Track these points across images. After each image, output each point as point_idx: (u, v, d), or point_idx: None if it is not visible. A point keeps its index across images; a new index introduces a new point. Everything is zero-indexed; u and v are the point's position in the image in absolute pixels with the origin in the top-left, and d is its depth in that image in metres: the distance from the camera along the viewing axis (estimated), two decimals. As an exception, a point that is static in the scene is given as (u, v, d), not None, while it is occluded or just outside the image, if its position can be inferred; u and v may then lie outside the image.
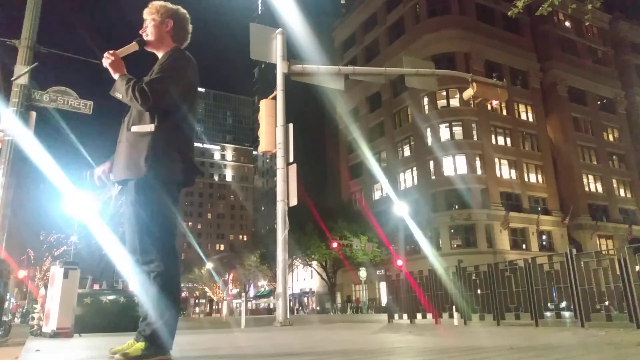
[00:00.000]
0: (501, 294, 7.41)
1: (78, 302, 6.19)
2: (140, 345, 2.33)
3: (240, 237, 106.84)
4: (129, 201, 2.47)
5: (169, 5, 2.78)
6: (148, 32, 2.74)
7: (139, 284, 2.48)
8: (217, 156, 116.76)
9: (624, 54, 51.60)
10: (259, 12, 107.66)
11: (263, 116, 10.06)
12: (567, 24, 48.51)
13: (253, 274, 56.14)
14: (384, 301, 33.14)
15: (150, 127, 2.50)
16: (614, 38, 51.62)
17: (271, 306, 52.67)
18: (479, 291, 7.91)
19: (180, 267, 2.56)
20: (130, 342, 2.42)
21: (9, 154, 7.66)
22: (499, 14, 42.70)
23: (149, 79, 2.50)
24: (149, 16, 2.75)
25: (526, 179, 42.01)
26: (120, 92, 2.52)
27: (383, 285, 31.26)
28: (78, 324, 5.83)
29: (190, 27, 2.86)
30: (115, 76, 2.58)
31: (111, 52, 2.60)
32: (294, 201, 9.52)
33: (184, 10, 2.83)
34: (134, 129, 2.53)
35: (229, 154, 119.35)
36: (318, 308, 51.63)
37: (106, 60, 2.58)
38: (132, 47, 2.70)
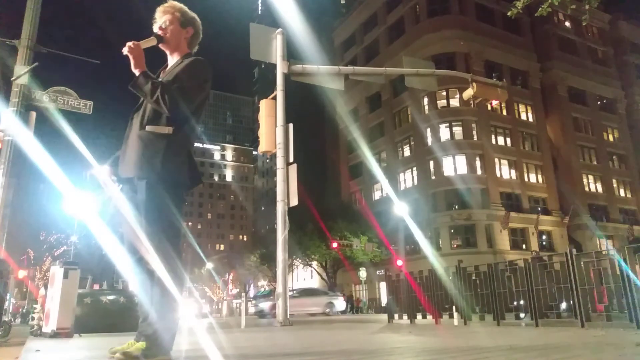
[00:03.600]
0: (501, 294, 7.41)
1: (78, 302, 6.19)
2: (141, 344, 2.33)
3: (240, 237, 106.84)
4: (138, 200, 2.46)
5: (189, 11, 2.81)
6: (169, 31, 2.72)
7: (139, 284, 2.48)
8: (217, 156, 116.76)
9: (624, 54, 51.59)
10: (259, 12, 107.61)
11: (263, 116, 10.06)
12: (567, 24, 48.50)
13: (253, 274, 56.08)
14: (384, 301, 33.11)
15: (168, 129, 2.50)
16: (614, 38, 51.60)
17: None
18: (479, 291, 7.91)
19: (183, 269, 2.57)
20: (131, 342, 2.41)
21: (9, 154, 7.66)
22: (498, 14, 42.69)
23: (176, 87, 2.49)
24: (167, 15, 2.72)
25: (526, 179, 42.00)
26: (144, 90, 2.49)
27: (383, 285, 31.22)
28: (78, 324, 5.84)
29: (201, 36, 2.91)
30: (136, 71, 2.53)
31: (135, 42, 2.55)
32: (294, 201, 9.52)
33: (199, 20, 2.88)
34: (150, 128, 2.52)
35: (229, 154, 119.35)
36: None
37: (130, 51, 2.51)
38: (151, 41, 2.68)
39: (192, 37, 2.81)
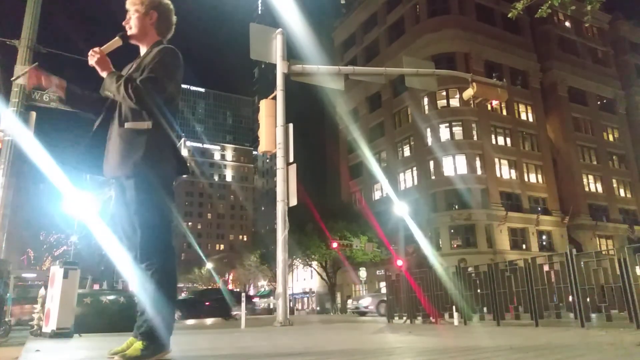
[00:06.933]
0: (501, 294, 7.41)
1: (78, 302, 6.18)
2: (139, 344, 2.33)
3: (240, 237, 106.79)
4: (128, 198, 2.46)
5: None
6: (132, 25, 2.68)
7: (137, 281, 2.48)
8: (217, 156, 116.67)
9: (624, 54, 51.59)
10: (259, 12, 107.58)
11: (263, 116, 10.07)
12: (567, 24, 48.50)
13: (253, 274, 56.10)
14: (384, 301, 33.02)
15: (147, 124, 2.48)
16: (614, 38, 51.60)
17: (271, 306, 52.63)
18: (479, 291, 7.91)
19: (177, 264, 2.57)
20: (130, 340, 2.41)
21: (9, 154, 7.66)
22: (499, 13, 42.69)
23: (143, 77, 2.47)
24: (132, 7, 2.68)
25: (526, 179, 41.99)
26: (110, 90, 2.49)
27: (383, 285, 31.22)
28: (78, 324, 5.83)
29: (174, 18, 2.80)
30: (103, 74, 2.53)
31: (96, 49, 2.54)
32: (293, 201, 9.52)
33: (167, 1, 2.76)
34: (128, 125, 2.50)
35: (229, 154, 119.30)
36: (318, 308, 51.58)
37: (92, 58, 2.53)
38: (116, 42, 2.64)
39: (158, 22, 2.70)
